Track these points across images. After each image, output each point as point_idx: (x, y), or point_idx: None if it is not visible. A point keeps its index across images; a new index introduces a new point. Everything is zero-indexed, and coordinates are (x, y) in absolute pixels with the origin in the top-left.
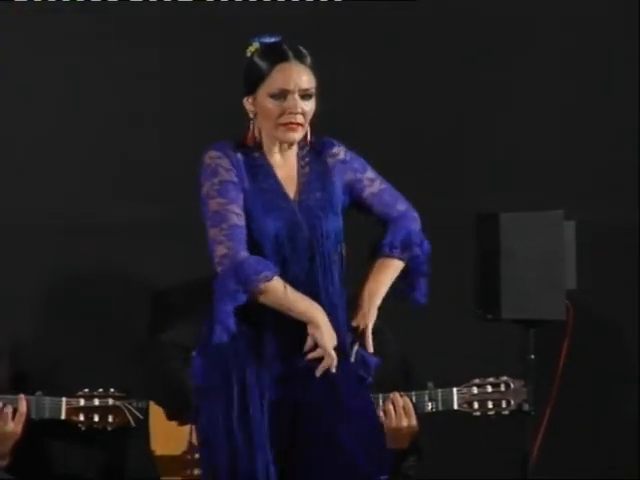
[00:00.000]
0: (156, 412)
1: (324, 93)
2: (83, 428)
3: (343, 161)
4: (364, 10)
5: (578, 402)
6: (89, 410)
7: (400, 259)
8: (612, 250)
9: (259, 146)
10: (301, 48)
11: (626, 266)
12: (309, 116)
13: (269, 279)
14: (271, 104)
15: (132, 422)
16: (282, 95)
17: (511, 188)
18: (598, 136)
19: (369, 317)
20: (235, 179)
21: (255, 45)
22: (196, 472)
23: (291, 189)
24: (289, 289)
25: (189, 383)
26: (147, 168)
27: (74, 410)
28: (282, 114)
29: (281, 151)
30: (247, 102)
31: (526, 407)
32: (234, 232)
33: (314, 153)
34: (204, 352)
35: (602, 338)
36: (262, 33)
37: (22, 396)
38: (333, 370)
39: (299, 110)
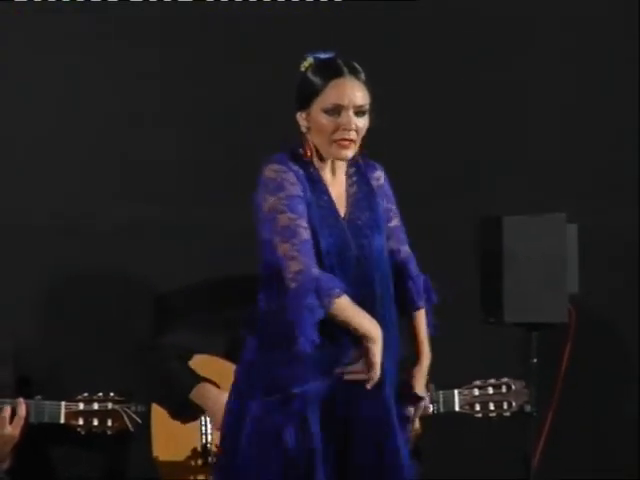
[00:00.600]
0: (158, 417)
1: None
2: (82, 432)
3: (382, 186)
4: (364, 10)
5: (580, 405)
6: (88, 414)
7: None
8: (614, 253)
9: (312, 160)
10: (355, 64)
11: (628, 269)
12: (362, 133)
13: (340, 295)
14: (325, 119)
15: (130, 427)
16: (336, 111)
17: (514, 191)
18: (600, 139)
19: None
20: (301, 193)
21: (309, 60)
22: (200, 478)
23: (341, 207)
24: (352, 304)
25: (189, 382)
26: (147, 168)
27: (73, 414)
28: (336, 130)
29: (332, 167)
30: (300, 117)
31: (528, 408)
32: (305, 247)
33: (360, 173)
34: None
35: (604, 341)
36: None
37: (21, 400)
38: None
39: (353, 127)
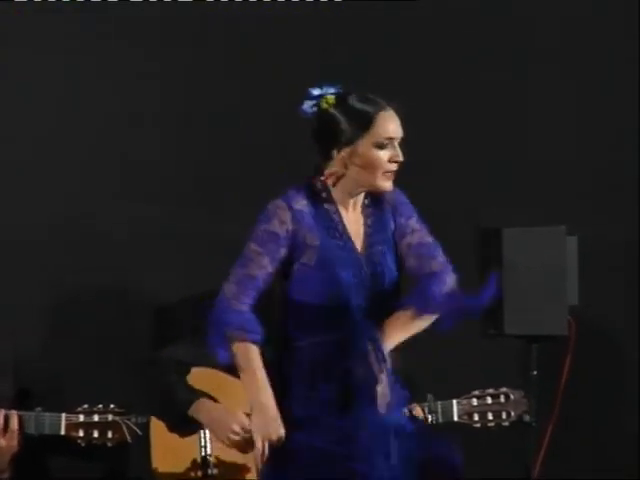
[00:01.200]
0: (157, 429)
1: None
2: (83, 444)
3: (394, 206)
4: (364, 10)
5: (580, 416)
6: (88, 426)
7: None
8: (614, 265)
9: (331, 196)
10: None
11: (628, 281)
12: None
13: (245, 340)
14: (377, 154)
15: (129, 438)
16: (386, 144)
17: (514, 203)
18: (600, 152)
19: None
20: (283, 233)
21: (330, 97)
22: None
23: (358, 240)
24: (253, 360)
25: (187, 397)
26: (147, 168)
27: (74, 426)
28: (386, 163)
29: (354, 201)
30: (338, 157)
31: (527, 418)
32: (246, 281)
33: (373, 197)
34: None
35: (604, 353)
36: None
37: (14, 412)
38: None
39: (401, 158)
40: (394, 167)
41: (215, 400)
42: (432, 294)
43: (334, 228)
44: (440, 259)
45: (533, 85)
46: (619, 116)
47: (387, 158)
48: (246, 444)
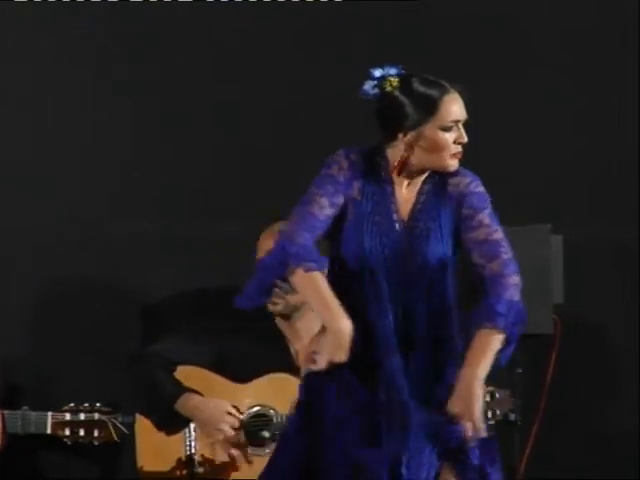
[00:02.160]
0: (143, 428)
1: (322, 92)
2: (69, 443)
3: (461, 193)
4: (364, 10)
5: (565, 415)
6: (75, 425)
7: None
8: (599, 264)
9: (388, 172)
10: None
11: (612, 280)
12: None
13: (309, 270)
14: (444, 136)
15: (115, 437)
16: (452, 127)
17: (498, 202)
18: (584, 151)
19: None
20: (341, 179)
21: (393, 79)
22: None
23: (404, 213)
24: (321, 286)
25: (174, 392)
26: (135, 181)
27: (60, 425)
28: (452, 145)
29: (411, 179)
30: (403, 140)
31: (512, 417)
32: (308, 218)
33: (437, 180)
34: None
35: (589, 351)
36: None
37: None
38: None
39: (466, 139)
40: (459, 148)
41: (202, 396)
42: (491, 303)
43: (381, 194)
44: (504, 257)
45: (518, 83)
46: (604, 116)
47: (453, 140)
48: (232, 444)
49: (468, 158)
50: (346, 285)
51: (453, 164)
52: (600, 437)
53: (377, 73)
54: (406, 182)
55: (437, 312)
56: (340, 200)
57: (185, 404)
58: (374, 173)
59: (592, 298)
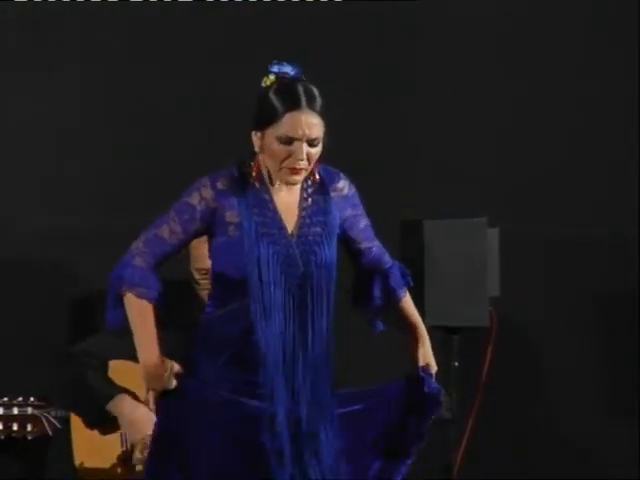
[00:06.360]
0: (78, 423)
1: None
2: (2, 437)
3: (345, 196)
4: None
5: (501, 409)
6: (8, 419)
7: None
8: (535, 257)
9: (262, 178)
10: (314, 90)
11: (549, 273)
12: (314, 159)
13: (134, 293)
14: (277, 147)
15: (49, 431)
16: (289, 141)
17: (435, 195)
18: (523, 144)
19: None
20: (200, 208)
21: (271, 78)
22: None
23: (290, 223)
24: (145, 316)
25: (106, 392)
26: (62, 176)
27: None
28: (287, 158)
29: (286, 185)
30: (255, 136)
31: (447, 415)
32: (154, 240)
33: (318, 185)
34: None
35: (525, 344)
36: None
37: None
38: None
39: (304, 157)
40: (296, 165)
41: (135, 395)
42: (402, 274)
43: (261, 206)
44: (377, 240)
45: (453, 79)
46: (542, 110)
47: (287, 154)
48: None
49: (404, 153)
50: (231, 301)
51: (288, 179)
52: (537, 429)
53: (272, 68)
54: (285, 187)
55: (328, 319)
56: (197, 226)
57: (117, 406)
58: (249, 186)
59: (528, 291)
